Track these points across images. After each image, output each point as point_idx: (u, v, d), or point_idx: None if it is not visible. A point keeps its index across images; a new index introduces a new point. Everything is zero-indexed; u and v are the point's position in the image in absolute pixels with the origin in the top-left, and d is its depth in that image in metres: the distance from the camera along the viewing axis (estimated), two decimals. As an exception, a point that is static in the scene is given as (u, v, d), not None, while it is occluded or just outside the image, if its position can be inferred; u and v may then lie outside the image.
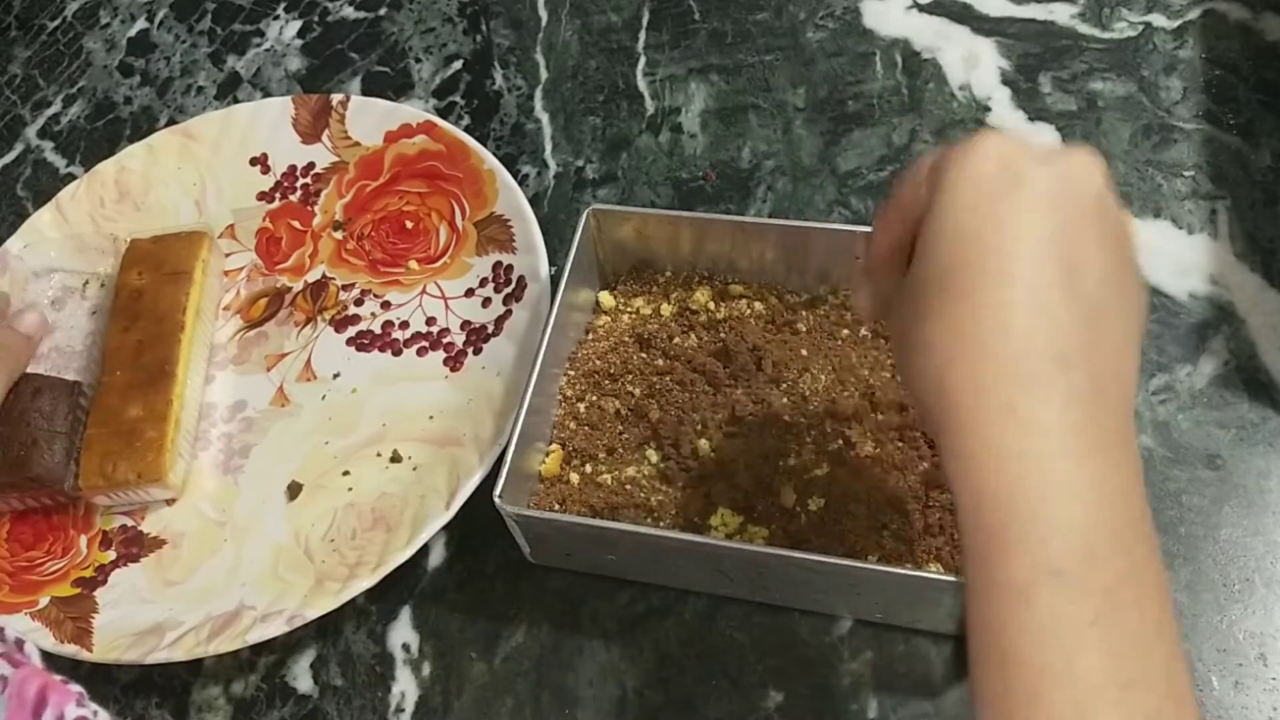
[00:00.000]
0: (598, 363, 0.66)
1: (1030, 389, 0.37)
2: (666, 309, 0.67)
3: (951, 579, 0.54)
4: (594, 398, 0.65)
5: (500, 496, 0.56)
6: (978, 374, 0.38)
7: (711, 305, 0.66)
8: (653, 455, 0.62)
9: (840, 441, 0.61)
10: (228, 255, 0.77)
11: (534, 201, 0.74)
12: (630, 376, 0.65)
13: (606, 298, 0.68)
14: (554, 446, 0.63)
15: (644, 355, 0.65)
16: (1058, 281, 0.38)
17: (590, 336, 0.67)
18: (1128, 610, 0.36)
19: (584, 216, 0.65)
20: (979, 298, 0.38)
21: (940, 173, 0.41)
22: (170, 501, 0.67)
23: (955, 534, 0.57)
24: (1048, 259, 0.38)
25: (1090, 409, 0.37)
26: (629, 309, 0.68)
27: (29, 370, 0.70)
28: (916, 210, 0.42)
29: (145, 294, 0.71)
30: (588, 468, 0.62)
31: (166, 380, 0.68)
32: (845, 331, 0.65)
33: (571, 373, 0.66)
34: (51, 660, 0.62)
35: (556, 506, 0.61)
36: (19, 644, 0.42)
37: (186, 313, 0.70)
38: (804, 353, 0.64)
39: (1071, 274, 0.38)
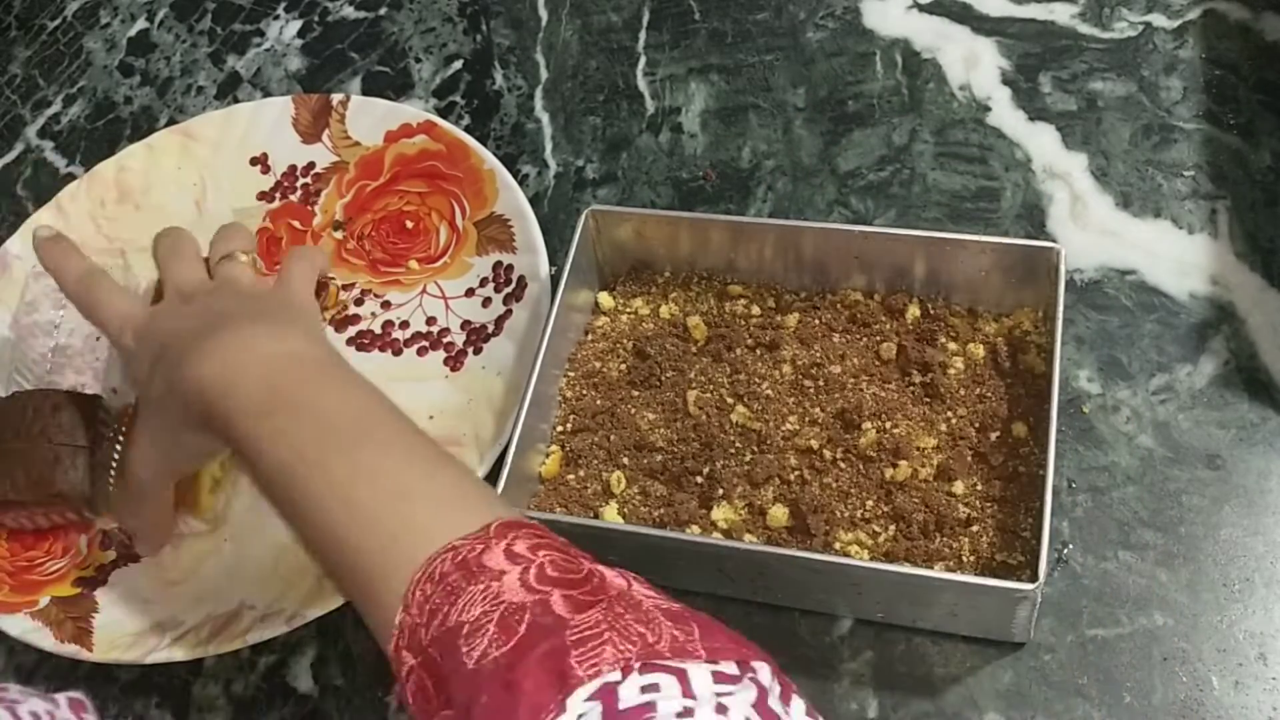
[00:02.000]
0: (597, 364, 0.66)
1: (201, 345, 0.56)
2: (666, 310, 0.67)
3: (952, 578, 0.54)
4: (593, 398, 0.65)
5: (501, 498, 0.56)
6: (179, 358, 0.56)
7: (705, 325, 0.66)
8: (652, 456, 0.62)
9: (841, 442, 0.61)
10: (228, 255, 0.77)
11: (534, 201, 0.74)
12: (630, 377, 0.65)
13: (606, 298, 0.68)
14: (554, 448, 0.63)
15: (643, 356, 0.65)
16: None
17: (589, 337, 0.67)
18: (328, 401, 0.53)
19: (583, 217, 0.65)
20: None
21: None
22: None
23: (956, 532, 0.57)
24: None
25: (241, 328, 0.56)
26: (628, 309, 0.68)
27: (46, 386, 0.69)
28: None
29: None
30: (588, 469, 0.62)
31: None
32: (844, 332, 0.65)
33: (571, 374, 0.66)
34: (52, 660, 0.62)
35: (557, 508, 0.61)
36: (76, 705, 0.44)
37: None
38: (804, 353, 0.64)
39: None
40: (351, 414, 0.51)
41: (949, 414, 0.61)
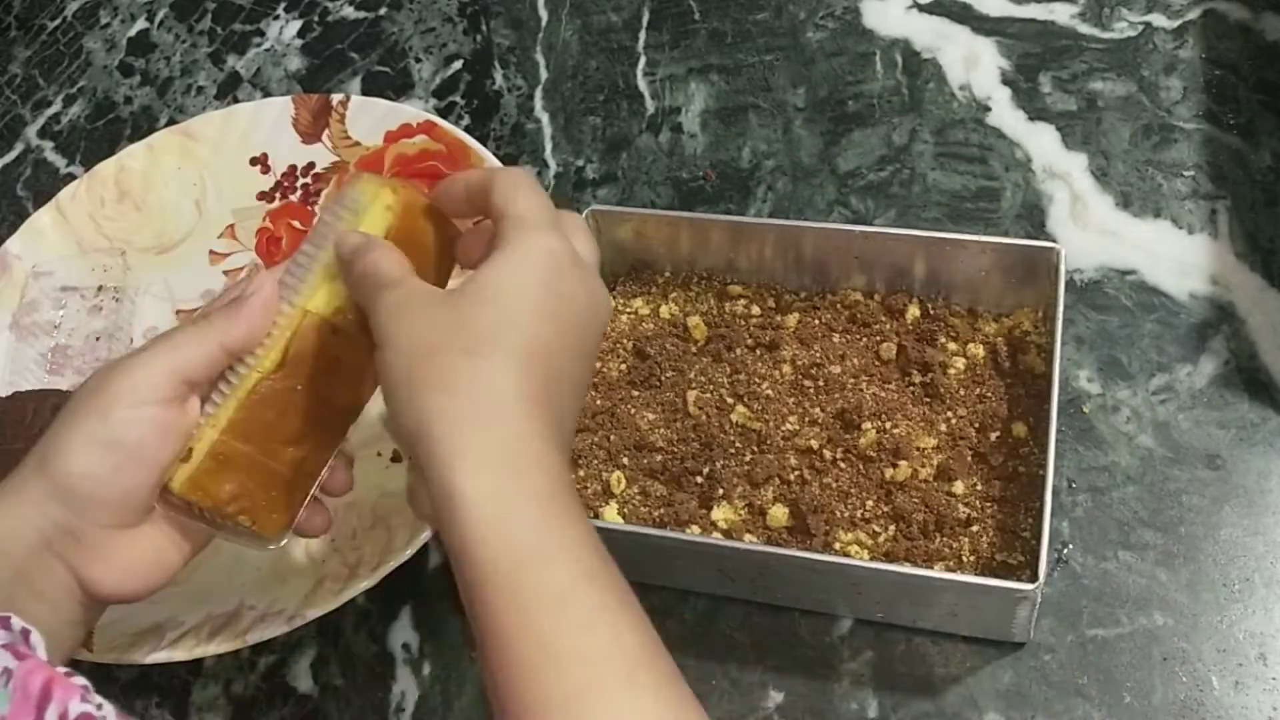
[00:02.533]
0: (596, 364, 0.66)
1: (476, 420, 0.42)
2: (666, 310, 0.67)
3: (953, 578, 0.54)
4: (593, 398, 0.65)
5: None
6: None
7: (705, 325, 0.66)
8: (652, 456, 0.62)
9: (841, 442, 0.61)
10: (228, 255, 0.77)
11: (534, 201, 0.74)
12: (630, 377, 0.65)
13: (606, 298, 0.68)
14: (554, 446, 0.63)
15: (643, 356, 0.65)
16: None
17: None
18: (629, 594, 0.42)
19: (582, 217, 0.65)
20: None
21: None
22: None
23: (956, 532, 0.57)
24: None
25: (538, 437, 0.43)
26: (628, 310, 0.68)
27: (48, 386, 0.70)
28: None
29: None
30: (588, 469, 0.62)
31: (346, 416, 0.52)
32: (844, 332, 0.65)
33: (571, 373, 0.66)
34: (52, 660, 0.62)
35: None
36: (25, 634, 0.41)
37: None
38: (804, 353, 0.64)
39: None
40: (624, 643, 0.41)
41: (949, 414, 0.61)
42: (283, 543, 0.52)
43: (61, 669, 0.40)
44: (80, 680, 0.40)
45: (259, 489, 0.49)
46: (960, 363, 0.62)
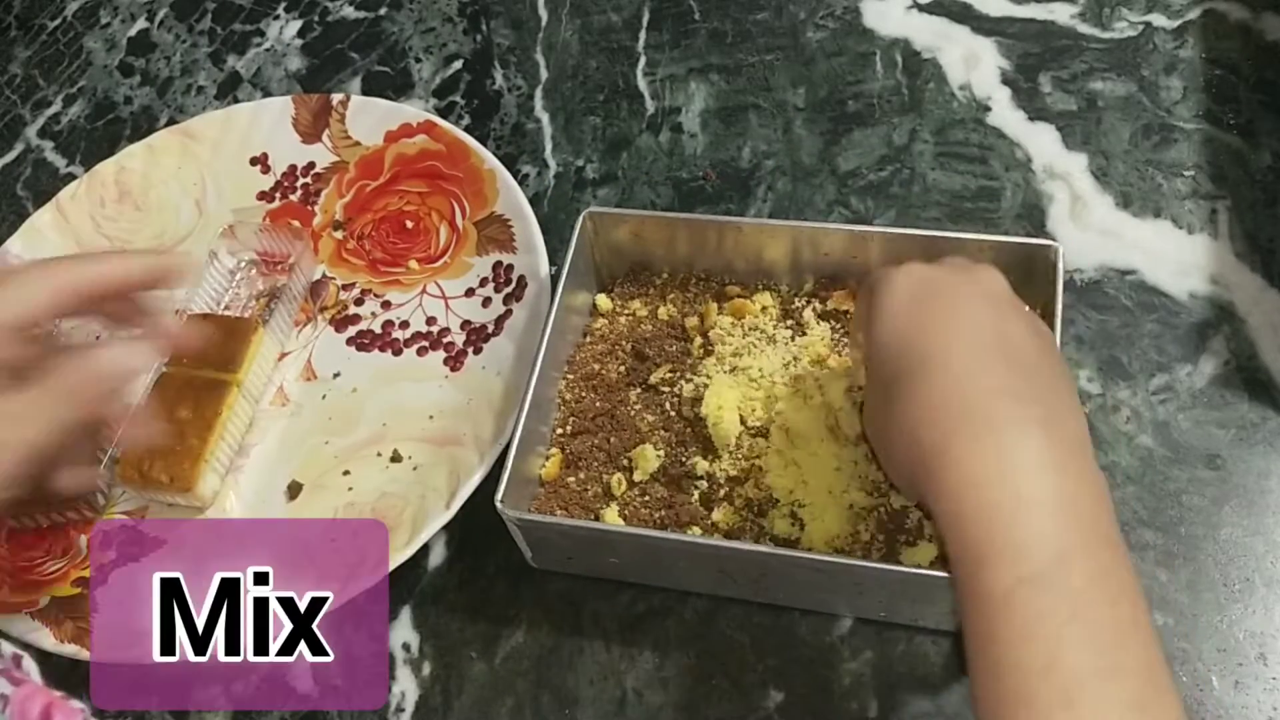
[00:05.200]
0: (595, 366, 0.66)
1: (990, 422, 0.42)
2: (664, 311, 0.67)
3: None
4: (593, 400, 0.65)
5: (502, 501, 0.56)
6: (942, 425, 0.43)
7: (701, 322, 0.66)
8: (652, 458, 0.62)
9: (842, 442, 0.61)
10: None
11: (534, 201, 0.74)
12: (629, 378, 0.65)
13: (604, 300, 0.68)
14: (553, 450, 0.63)
15: (642, 358, 0.65)
16: (993, 345, 0.45)
17: (588, 339, 0.67)
18: (1100, 607, 0.39)
19: (580, 219, 0.65)
20: (930, 371, 0.44)
21: (874, 288, 0.48)
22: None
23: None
24: (978, 334, 0.45)
25: (1049, 434, 0.42)
26: (626, 311, 0.68)
27: None
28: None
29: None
30: (588, 471, 0.62)
31: (222, 387, 0.67)
32: (842, 332, 0.65)
33: (570, 376, 0.66)
34: (52, 660, 0.62)
35: (558, 510, 0.61)
36: (16, 660, 0.42)
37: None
38: (802, 353, 0.64)
39: (1003, 340, 0.45)
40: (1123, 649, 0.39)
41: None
42: (209, 489, 0.65)
43: (58, 693, 0.40)
44: (79, 704, 0.40)
45: (165, 453, 0.64)
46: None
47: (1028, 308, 0.50)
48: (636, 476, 0.61)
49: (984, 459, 0.41)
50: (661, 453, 0.61)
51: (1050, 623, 0.38)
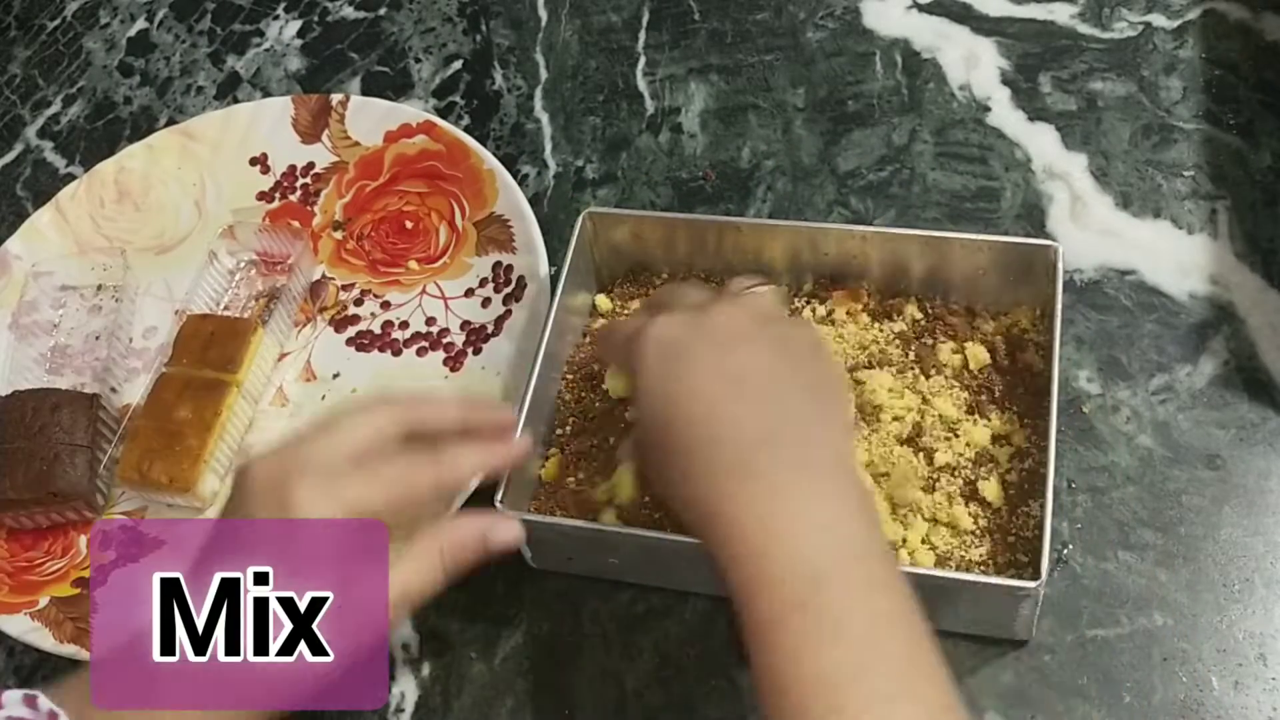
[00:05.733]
0: (595, 366, 0.66)
1: (744, 472, 0.47)
2: (665, 310, 0.67)
3: (956, 576, 0.54)
4: (592, 401, 0.65)
5: (502, 502, 0.56)
6: (706, 490, 0.47)
7: None
8: (628, 485, 0.61)
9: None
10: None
11: (534, 201, 0.74)
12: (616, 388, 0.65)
13: (603, 301, 0.68)
14: (553, 451, 0.63)
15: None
16: (733, 397, 0.48)
17: (587, 340, 0.67)
18: (858, 616, 0.43)
19: (580, 220, 0.65)
20: (686, 436, 0.48)
21: (631, 358, 0.51)
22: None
23: (955, 528, 0.57)
24: (712, 387, 0.49)
25: (799, 469, 0.47)
26: (626, 312, 0.68)
27: (47, 386, 0.70)
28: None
29: None
30: (586, 471, 0.62)
31: (222, 388, 0.66)
32: (842, 334, 0.65)
33: (569, 376, 0.66)
34: (52, 660, 0.62)
35: (558, 511, 0.61)
36: (52, 716, 0.43)
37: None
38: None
39: (740, 385, 0.49)
40: (888, 662, 0.44)
41: (949, 414, 0.61)
42: (209, 489, 0.65)
43: None
44: None
45: (165, 454, 0.64)
46: (958, 361, 0.62)
47: (774, 319, 0.54)
48: (617, 498, 0.61)
49: (745, 510, 0.46)
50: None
51: (813, 640, 0.43)
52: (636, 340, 0.51)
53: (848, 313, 0.65)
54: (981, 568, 0.56)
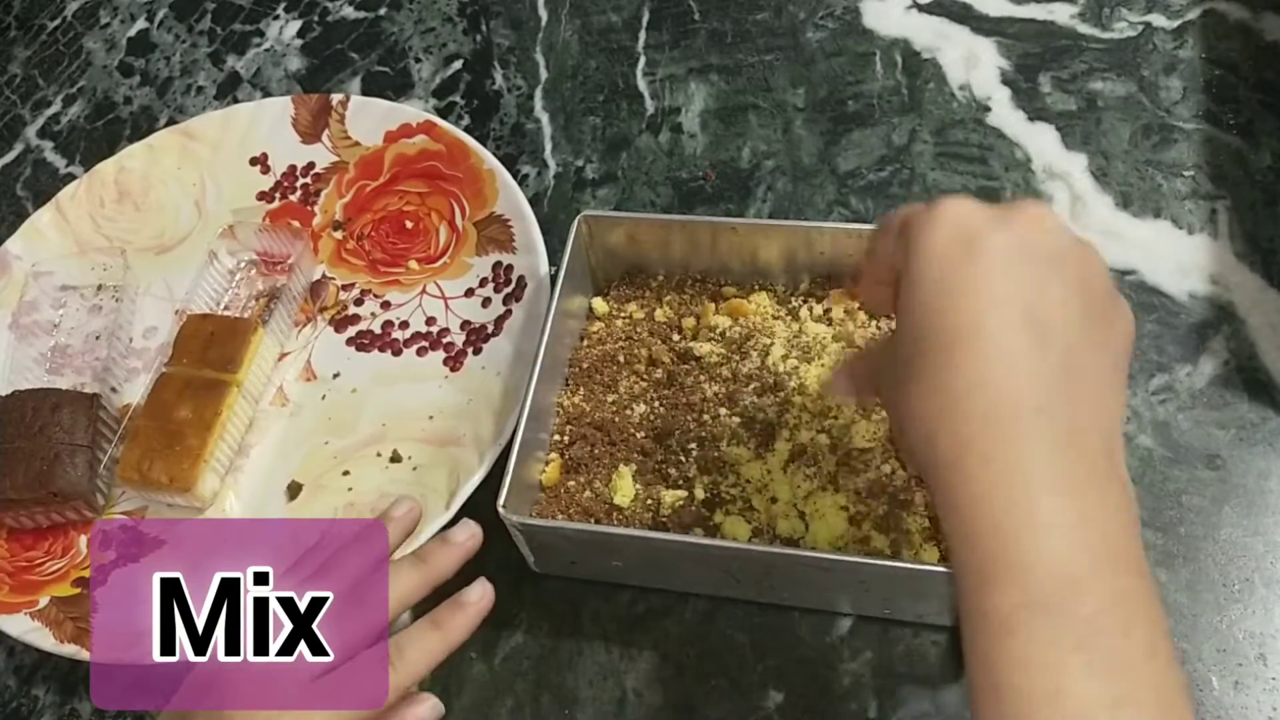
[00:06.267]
0: (593, 369, 0.66)
1: (1008, 438, 0.39)
2: (660, 313, 0.67)
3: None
4: (590, 405, 0.65)
5: (504, 507, 0.56)
6: (959, 429, 0.40)
7: (697, 323, 0.66)
8: (652, 460, 0.62)
9: (842, 440, 0.61)
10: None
11: (534, 201, 0.74)
12: (626, 382, 0.65)
13: (600, 303, 0.68)
14: (553, 455, 0.63)
15: (639, 360, 0.65)
16: (1026, 336, 0.40)
17: (585, 343, 0.67)
18: (1112, 635, 0.37)
19: (575, 223, 0.65)
20: (955, 358, 0.40)
21: (908, 241, 0.43)
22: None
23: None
24: (1013, 317, 0.40)
25: (1069, 452, 0.39)
26: (622, 314, 0.68)
27: (48, 386, 0.70)
28: (891, 268, 0.44)
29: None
30: (587, 475, 0.62)
31: (222, 387, 0.67)
32: (842, 330, 0.65)
33: (569, 380, 0.66)
34: (52, 660, 0.62)
35: (559, 515, 0.61)
36: None
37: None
38: (799, 353, 0.64)
39: (1039, 328, 0.40)
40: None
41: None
42: (209, 489, 0.65)
43: None
44: None
45: (165, 453, 0.64)
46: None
47: (1079, 236, 0.43)
48: (617, 501, 0.61)
49: (997, 478, 0.39)
50: (639, 486, 0.61)
51: (1054, 651, 0.37)
52: (922, 216, 0.43)
53: (845, 311, 0.65)
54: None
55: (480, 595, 0.53)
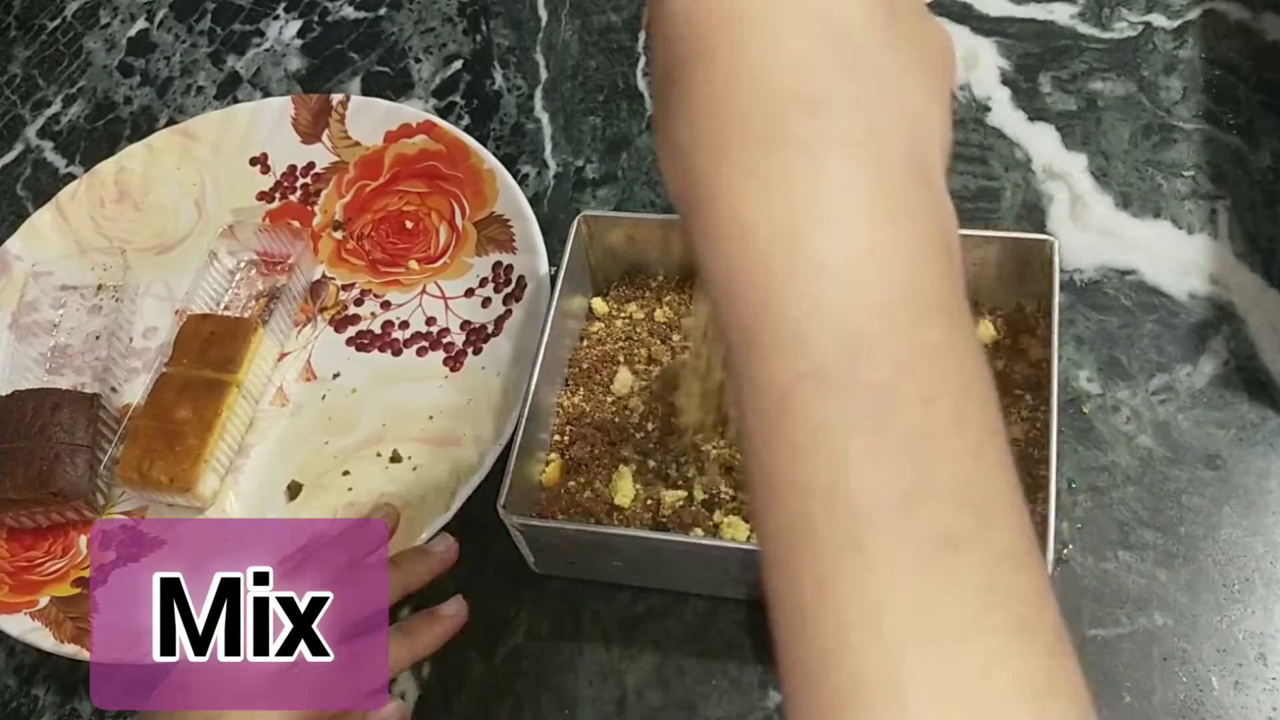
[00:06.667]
0: (593, 369, 0.66)
1: (776, 139, 0.29)
2: (660, 313, 0.67)
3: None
4: (590, 405, 0.64)
5: (504, 507, 0.56)
6: (715, 139, 0.30)
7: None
8: (651, 460, 0.62)
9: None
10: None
11: (534, 201, 0.74)
12: (625, 382, 0.65)
13: (600, 304, 0.68)
14: (553, 455, 0.63)
15: (639, 360, 0.65)
16: (814, 29, 0.30)
17: (585, 343, 0.67)
18: (908, 409, 0.28)
19: (575, 224, 0.65)
20: (713, 58, 0.30)
21: None
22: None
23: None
24: (800, 11, 0.30)
25: (865, 159, 0.29)
26: (622, 314, 0.68)
27: (48, 386, 0.70)
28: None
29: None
30: (587, 475, 0.62)
31: (222, 387, 0.67)
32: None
33: (568, 380, 0.65)
34: (51, 660, 0.62)
35: (559, 515, 0.61)
36: None
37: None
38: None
39: (830, 26, 0.30)
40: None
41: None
42: (209, 489, 0.65)
43: None
44: None
45: (165, 453, 0.64)
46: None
47: None
48: (618, 501, 0.61)
49: (762, 196, 0.29)
50: (639, 486, 0.61)
51: (829, 435, 0.28)
52: None
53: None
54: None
55: (455, 611, 0.55)
